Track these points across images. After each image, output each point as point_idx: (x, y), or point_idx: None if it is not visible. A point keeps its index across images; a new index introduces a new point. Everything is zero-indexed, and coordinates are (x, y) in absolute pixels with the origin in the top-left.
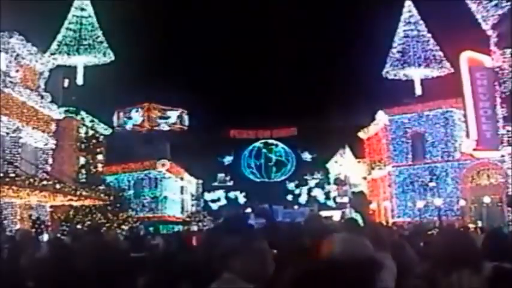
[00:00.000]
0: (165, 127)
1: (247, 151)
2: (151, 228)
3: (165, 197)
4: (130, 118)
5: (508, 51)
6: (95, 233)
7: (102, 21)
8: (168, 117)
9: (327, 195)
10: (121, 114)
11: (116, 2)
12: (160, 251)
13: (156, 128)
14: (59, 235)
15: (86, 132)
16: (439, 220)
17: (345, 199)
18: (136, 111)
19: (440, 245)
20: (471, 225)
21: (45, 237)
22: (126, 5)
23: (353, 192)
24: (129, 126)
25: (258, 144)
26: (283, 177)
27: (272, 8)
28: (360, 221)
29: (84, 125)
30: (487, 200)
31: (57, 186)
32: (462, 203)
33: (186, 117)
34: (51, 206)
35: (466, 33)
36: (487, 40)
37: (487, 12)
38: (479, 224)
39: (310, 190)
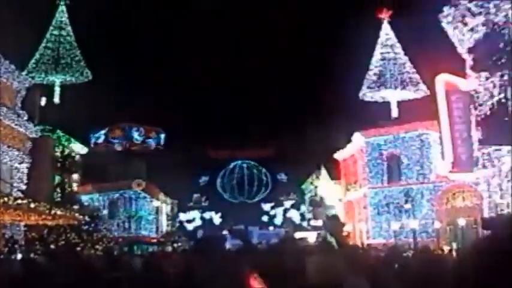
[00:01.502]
0: (141, 146)
1: (223, 171)
2: (125, 248)
3: (140, 217)
4: (106, 137)
5: (484, 74)
6: (71, 253)
7: (80, 40)
8: (145, 137)
9: (303, 216)
10: (97, 133)
11: (94, 22)
12: (136, 272)
13: (132, 147)
14: (32, 255)
15: (62, 151)
16: (414, 242)
17: (319, 222)
18: (113, 130)
19: (414, 268)
20: (446, 247)
21: (18, 256)
22: (105, 25)
23: (327, 216)
24: (105, 146)
25: (233, 164)
26: (258, 198)
27: (250, 28)
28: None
29: (60, 143)
30: (462, 222)
31: (32, 205)
32: (437, 224)
33: (162, 137)
34: (25, 225)
35: (442, 56)
36: (462, 63)
37: (462, 36)
38: (454, 246)
39: (285, 211)
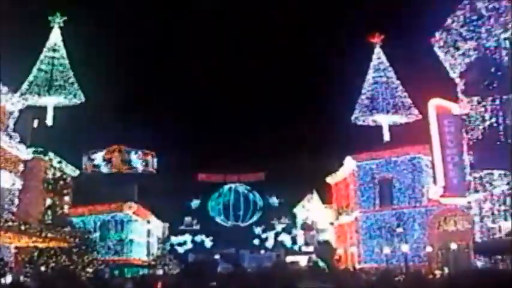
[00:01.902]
0: (133, 169)
1: (215, 195)
2: (116, 271)
3: (131, 240)
4: (98, 160)
5: (475, 99)
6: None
7: (74, 62)
8: (136, 160)
9: (294, 240)
10: (89, 155)
11: (87, 45)
12: None
13: (124, 170)
14: (22, 277)
15: (54, 174)
16: (405, 266)
17: (311, 248)
18: (105, 153)
19: None
20: (438, 272)
21: (8, 278)
22: (98, 48)
23: (318, 241)
24: (96, 168)
25: (225, 188)
26: (250, 222)
27: (241, 50)
28: (325, 268)
29: (52, 166)
30: (453, 246)
31: (23, 227)
32: (429, 249)
33: (154, 160)
34: (15, 247)
35: (434, 80)
36: (454, 88)
37: (454, 61)
38: (446, 270)
39: (277, 235)
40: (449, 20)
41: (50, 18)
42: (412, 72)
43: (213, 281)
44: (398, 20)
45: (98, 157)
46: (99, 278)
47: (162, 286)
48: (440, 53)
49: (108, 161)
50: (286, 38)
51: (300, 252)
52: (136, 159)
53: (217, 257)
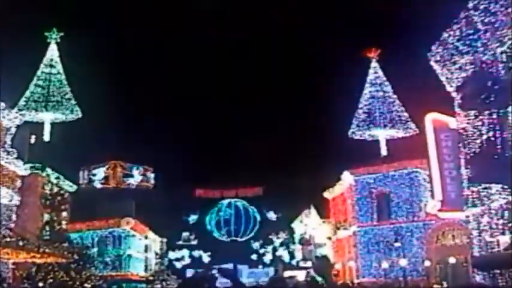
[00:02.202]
0: (130, 185)
1: (212, 210)
2: (114, 287)
3: (129, 255)
4: (95, 175)
5: (472, 112)
6: None
7: (71, 78)
8: (134, 175)
9: (292, 255)
10: (86, 171)
11: (84, 61)
12: None
13: (121, 185)
14: None
15: (51, 189)
16: (404, 280)
17: (308, 263)
18: (102, 168)
19: None
20: (436, 286)
21: None
22: (94, 64)
23: (316, 256)
24: (94, 184)
25: (223, 203)
26: (248, 237)
27: (239, 65)
28: (324, 283)
29: (49, 181)
30: (452, 260)
31: (20, 243)
32: (427, 263)
33: (151, 176)
34: (13, 263)
35: (431, 94)
36: (451, 102)
37: (451, 75)
38: (445, 284)
39: (275, 249)
40: (445, 34)
41: (46, 34)
42: (409, 87)
43: None
44: (394, 35)
45: (99, 172)
46: None
47: None
48: (436, 67)
49: (109, 176)
50: (283, 54)
51: (298, 267)
52: (138, 175)
53: (214, 272)
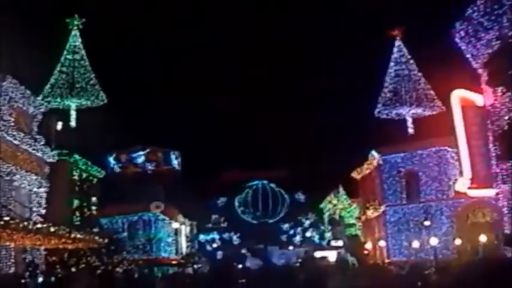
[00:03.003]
0: (159, 169)
1: (241, 192)
2: (146, 270)
3: (160, 239)
4: (123, 160)
5: (499, 89)
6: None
7: (95, 63)
8: (162, 159)
9: (322, 236)
10: (114, 156)
11: (107, 46)
12: None
13: (149, 170)
14: (53, 278)
15: (80, 175)
16: (435, 259)
17: (339, 242)
18: (130, 153)
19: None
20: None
21: (39, 280)
22: (118, 48)
23: (347, 236)
24: (122, 169)
25: (251, 184)
26: (277, 218)
27: (264, 49)
28: (355, 263)
29: (77, 167)
30: (483, 238)
31: (51, 229)
32: (458, 241)
33: (179, 159)
34: (45, 249)
35: (457, 71)
36: (478, 78)
37: (476, 51)
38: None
39: (304, 230)
40: (469, 10)
41: (68, 20)
42: (434, 64)
43: (241, 278)
44: (418, 12)
45: (120, 158)
46: (131, 277)
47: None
48: (461, 44)
49: (130, 161)
50: (307, 31)
51: (328, 247)
52: (159, 158)
53: (244, 251)
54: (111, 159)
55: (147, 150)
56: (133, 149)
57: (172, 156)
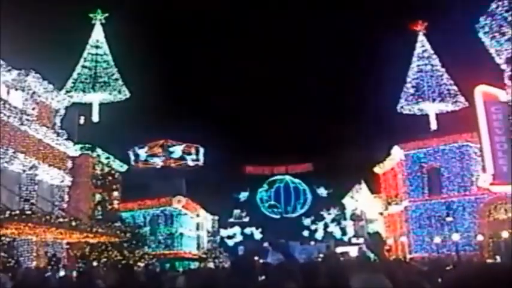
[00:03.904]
0: (180, 163)
1: (263, 187)
2: (167, 265)
3: (181, 234)
4: (146, 155)
5: None
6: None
7: (118, 58)
8: (184, 154)
9: (343, 231)
10: (137, 150)
11: (131, 40)
12: None
13: (171, 164)
14: (74, 272)
15: (102, 169)
16: (457, 255)
17: (360, 240)
18: (152, 147)
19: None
20: (489, 260)
21: (61, 274)
22: (141, 42)
23: (368, 233)
24: (144, 163)
25: (273, 180)
26: (299, 213)
27: (286, 45)
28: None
29: (100, 161)
30: (505, 234)
31: (73, 223)
32: (480, 237)
33: (201, 154)
34: (67, 243)
35: (480, 67)
36: (501, 74)
37: (500, 47)
38: (498, 258)
39: (326, 226)
40: (493, 5)
41: (91, 15)
42: (457, 59)
43: (262, 275)
44: (441, 7)
45: (142, 152)
46: (151, 272)
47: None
48: (485, 39)
49: (152, 155)
50: (330, 29)
51: (350, 243)
52: (181, 153)
53: (266, 245)
54: (134, 154)
55: (169, 145)
56: (155, 143)
57: (195, 151)
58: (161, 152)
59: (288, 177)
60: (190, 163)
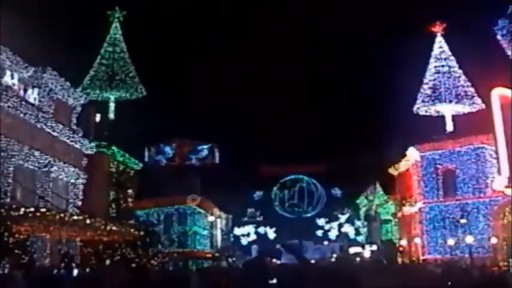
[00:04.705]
0: (195, 162)
1: (278, 186)
2: (180, 263)
3: (195, 232)
4: (161, 153)
5: None
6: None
7: (135, 56)
8: (199, 152)
9: (357, 231)
10: (152, 149)
11: (146, 39)
12: None
13: (186, 163)
14: (88, 270)
15: (117, 167)
16: (470, 257)
17: (374, 247)
18: (167, 146)
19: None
20: (503, 263)
21: (74, 272)
22: (156, 42)
23: (381, 240)
24: (160, 161)
25: (288, 179)
26: (313, 213)
27: (305, 47)
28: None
29: (115, 160)
30: None
31: (88, 221)
32: (494, 240)
33: (216, 152)
34: (81, 241)
35: (497, 69)
36: None
37: None
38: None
39: (340, 226)
40: (511, 8)
41: (109, 13)
42: (475, 61)
43: (273, 277)
44: (460, 9)
45: (161, 150)
46: (166, 271)
47: (227, 282)
48: (503, 41)
49: (176, 153)
50: (346, 29)
51: (363, 248)
52: (190, 151)
53: (278, 246)
54: (149, 152)
55: (184, 143)
56: (171, 142)
57: (210, 150)
58: (177, 150)
59: (303, 177)
60: (205, 161)
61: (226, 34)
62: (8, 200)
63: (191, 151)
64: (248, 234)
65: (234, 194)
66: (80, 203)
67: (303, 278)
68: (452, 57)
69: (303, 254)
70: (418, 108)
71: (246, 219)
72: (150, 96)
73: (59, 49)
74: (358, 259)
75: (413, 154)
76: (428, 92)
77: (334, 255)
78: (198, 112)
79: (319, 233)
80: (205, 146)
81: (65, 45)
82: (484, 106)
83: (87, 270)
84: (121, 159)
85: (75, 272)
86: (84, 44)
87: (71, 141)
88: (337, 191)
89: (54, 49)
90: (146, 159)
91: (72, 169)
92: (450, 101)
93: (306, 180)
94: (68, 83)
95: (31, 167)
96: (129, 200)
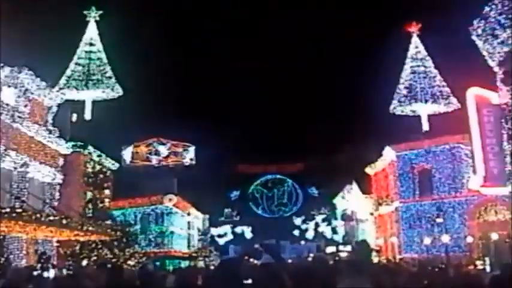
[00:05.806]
0: (172, 162)
1: (254, 186)
2: (157, 263)
3: (172, 232)
4: (137, 153)
5: None
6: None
7: (111, 56)
8: (175, 152)
9: (334, 231)
10: (128, 149)
11: (124, 38)
12: None
13: (163, 162)
14: (65, 271)
15: (93, 167)
16: (446, 256)
17: (348, 247)
18: (144, 146)
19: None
20: (478, 262)
21: (51, 272)
22: (135, 40)
23: (356, 242)
24: (136, 161)
25: (265, 179)
26: (290, 213)
27: (281, 47)
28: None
29: (91, 159)
30: (494, 236)
31: (64, 221)
32: (470, 239)
33: (193, 152)
34: (57, 241)
35: (473, 69)
36: (493, 77)
37: (493, 49)
38: (487, 260)
39: (317, 225)
40: (487, 8)
41: (85, 12)
42: (450, 61)
43: (248, 278)
44: (435, 9)
45: (138, 150)
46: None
47: (203, 283)
48: (478, 42)
49: (164, 153)
50: (323, 30)
51: (340, 243)
52: (167, 151)
53: (257, 246)
54: (125, 152)
55: (160, 143)
56: (147, 142)
57: (186, 150)
58: (153, 150)
59: (279, 176)
60: (182, 161)
61: (206, 28)
62: None
63: (168, 150)
64: (225, 234)
65: (211, 194)
66: (56, 203)
67: (278, 278)
68: (428, 58)
69: (280, 254)
70: (394, 108)
71: (222, 219)
72: (127, 96)
73: (35, 49)
74: (335, 258)
75: (389, 154)
76: (404, 92)
77: (311, 255)
78: (175, 111)
79: (296, 232)
80: (182, 146)
81: (41, 45)
82: (459, 106)
83: (64, 270)
84: (97, 159)
85: (52, 272)
86: (60, 44)
87: (47, 141)
88: (314, 191)
89: (30, 49)
90: (122, 159)
91: (49, 169)
92: (426, 101)
93: (276, 180)
94: (44, 83)
95: (7, 167)
96: (106, 200)
